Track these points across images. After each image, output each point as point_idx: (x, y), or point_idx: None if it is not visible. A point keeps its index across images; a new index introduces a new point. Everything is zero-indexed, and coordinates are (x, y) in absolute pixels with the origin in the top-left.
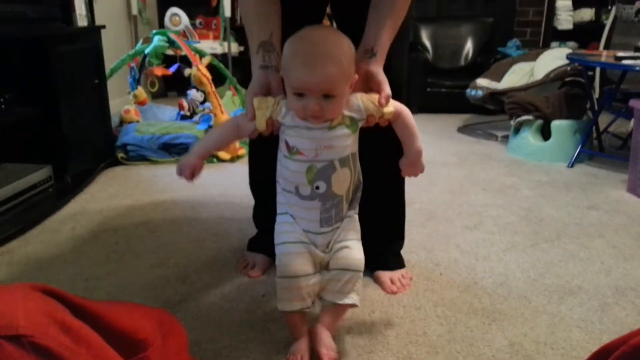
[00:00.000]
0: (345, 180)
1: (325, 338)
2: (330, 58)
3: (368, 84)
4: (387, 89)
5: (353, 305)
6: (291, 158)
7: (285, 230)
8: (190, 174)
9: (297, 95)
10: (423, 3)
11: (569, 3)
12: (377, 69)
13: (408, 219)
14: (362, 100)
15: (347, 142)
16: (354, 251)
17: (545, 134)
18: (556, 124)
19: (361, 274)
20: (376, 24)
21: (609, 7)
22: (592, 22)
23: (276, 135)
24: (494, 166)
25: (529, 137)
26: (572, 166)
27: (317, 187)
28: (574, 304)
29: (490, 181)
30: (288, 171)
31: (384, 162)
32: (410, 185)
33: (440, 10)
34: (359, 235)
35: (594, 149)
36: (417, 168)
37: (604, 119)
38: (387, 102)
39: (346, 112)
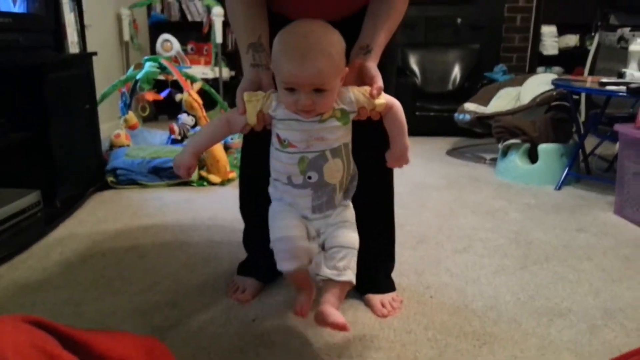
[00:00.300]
0: (337, 171)
1: (332, 313)
2: (320, 52)
3: (361, 78)
4: (379, 82)
5: (350, 283)
6: (283, 150)
7: (277, 208)
8: (186, 173)
9: (288, 90)
10: (411, 30)
11: (554, 29)
12: (371, 64)
13: (398, 241)
14: (354, 93)
15: (338, 133)
16: (349, 230)
17: (533, 157)
18: (543, 148)
19: (356, 251)
20: (373, 25)
21: (593, 34)
22: (577, 48)
23: (267, 156)
24: (482, 189)
25: (517, 160)
26: (559, 189)
27: (310, 177)
28: (564, 326)
29: (479, 204)
30: (280, 163)
31: (373, 185)
32: (401, 207)
33: (428, 37)
34: (353, 220)
35: (581, 172)
36: (402, 161)
37: (590, 142)
38: (379, 93)
39: (337, 105)
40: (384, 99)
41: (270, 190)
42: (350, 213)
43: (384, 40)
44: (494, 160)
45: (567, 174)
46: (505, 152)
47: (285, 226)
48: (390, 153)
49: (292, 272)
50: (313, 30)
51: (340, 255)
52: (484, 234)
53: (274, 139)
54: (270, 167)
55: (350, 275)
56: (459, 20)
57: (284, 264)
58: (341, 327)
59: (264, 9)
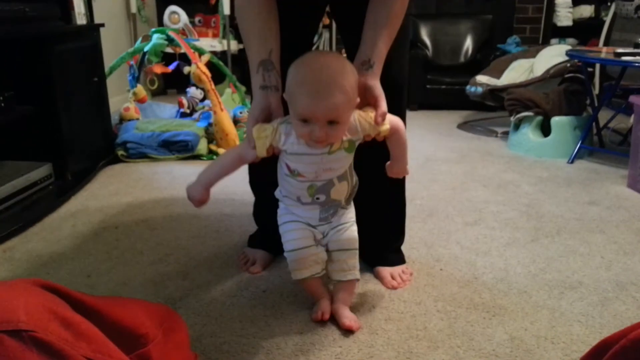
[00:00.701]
0: (343, 191)
1: (345, 312)
2: (336, 87)
3: (365, 97)
4: (383, 106)
5: (356, 279)
6: (293, 178)
7: (285, 213)
8: (199, 205)
9: (302, 122)
10: (422, 1)
11: (569, 0)
12: (375, 82)
13: (408, 215)
14: (359, 121)
15: (345, 162)
16: (348, 232)
17: (545, 130)
18: (556, 120)
19: (356, 250)
20: (373, 34)
21: (609, 4)
22: (592, 19)
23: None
24: (494, 162)
25: (529, 134)
26: (572, 162)
27: (317, 198)
28: (575, 298)
29: (491, 177)
30: (290, 186)
31: (384, 159)
32: (411, 181)
33: (440, 8)
34: (353, 217)
35: (594, 145)
36: (401, 174)
37: (604, 115)
38: (384, 120)
39: (346, 137)
40: (388, 123)
41: (277, 194)
42: (350, 212)
43: (385, 50)
44: (506, 133)
45: (580, 147)
46: (517, 125)
47: (295, 239)
48: (389, 167)
49: (306, 279)
50: (329, 65)
51: (344, 257)
52: (494, 207)
53: (283, 166)
54: (279, 183)
55: (356, 274)
56: None
57: (297, 273)
58: (351, 329)
59: (276, 20)
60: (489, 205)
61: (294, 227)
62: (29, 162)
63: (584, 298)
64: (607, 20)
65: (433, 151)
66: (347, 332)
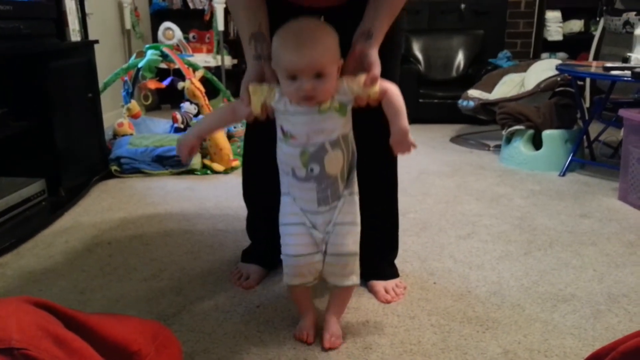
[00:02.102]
0: (338, 162)
1: (332, 325)
2: (317, 39)
3: (361, 65)
4: (375, 70)
5: (354, 285)
6: (286, 142)
7: (288, 212)
8: (188, 153)
9: (290, 79)
10: (415, 16)
11: (559, 15)
12: (372, 50)
13: (402, 228)
14: (348, 84)
15: (336, 125)
16: (348, 235)
17: (537, 143)
18: (547, 134)
19: (357, 255)
20: (374, 8)
21: (597, 19)
22: (582, 33)
23: (269, 144)
24: (486, 176)
25: (521, 147)
26: (564, 175)
27: (312, 170)
28: (567, 311)
29: (483, 191)
30: (284, 155)
31: (377, 173)
32: (404, 195)
33: (432, 23)
34: (356, 217)
35: (586, 158)
36: (405, 146)
37: (594, 128)
38: (373, 83)
39: (336, 97)
40: (378, 86)
41: (281, 177)
42: (354, 208)
43: (385, 25)
44: (498, 147)
45: (571, 160)
46: (509, 139)
47: (296, 244)
48: (391, 139)
49: (296, 286)
50: (307, 24)
51: (342, 262)
52: (487, 220)
53: (278, 130)
54: (277, 159)
55: (355, 280)
56: (462, 5)
57: (290, 278)
58: (331, 348)
59: (264, 2)
60: (482, 218)
61: (296, 231)
62: (23, 178)
63: (576, 311)
64: (597, 35)
65: (426, 165)
66: (341, 346)
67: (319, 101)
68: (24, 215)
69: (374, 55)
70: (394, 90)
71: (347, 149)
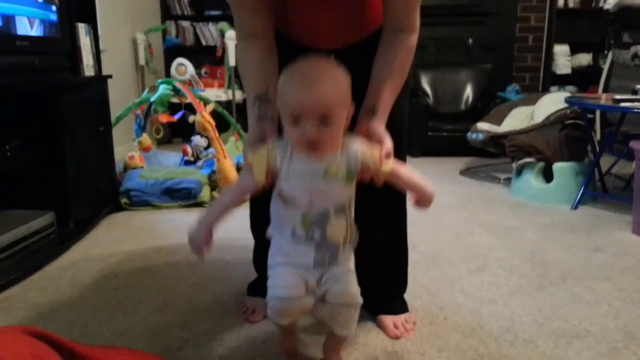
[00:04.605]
0: (340, 230)
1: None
2: (325, 79)
3: (370, 141)
4: (388, 145)
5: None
6: (286, 205)
7: (278, 252)
8: (202, 248)
9: (293, 123)
10: (422, 51)
11: (567, 48)
12: (378, 126)
13: (411, 261)
14: (362, 150)
15: (341, 191)
16: (349, 285)
17: (548, 176)
18: (558, 166)
19: (358, 307)
20: (378, 82)
21: (606, 52)
22: (590, 67)
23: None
24: (497, 208)
25: (532, 180)
26: (576, 208)
27: (313, 235)
28: (582, 348)
29: (494, 223)
30: (283, 216)
31: (385, 204)
32: (413, 227)
33: (439, 57)
34: (352, 265)
35: (597, 191)
36: (429, 199)
37: (605, 161)
38: (388, 157)
39: (343, 162)
40: (391, 165)
41: (270, 232)
42: (349, 256)
43: (390, 99)
44: (508, 179)
45: (583, 193)
46: (519, 172)
47: (285, 286)
48: (417, 201)
49: (284, 325)
50: (317, 62)
51: (344, 312)
52: (499, 254)
53: (277, 191)
54: (272, 214)
55: (352, 331)
56: (470, 40)
57: (276, 318)
58: None
59: (275, 59)
60: (494, 251)
61: (285, 272)
62: (33, 210)
63: (591, 348)
64: (605, 67)
65: (436, 197)
66: None
67: (323, 151)
68: (33, 247)
69: (382, 130)
70: (404, 168)
71: (350, 218)
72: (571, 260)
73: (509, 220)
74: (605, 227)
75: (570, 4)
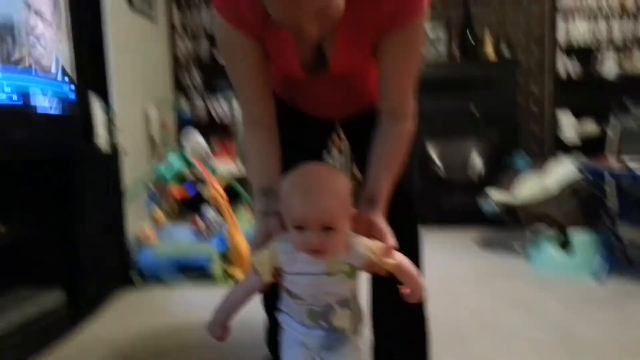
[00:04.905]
0: (347, 319)
1: None
2: (328, 191)
3: (371, 233)
4: (390, 241)
5: None
6: (292, 299)
7: (290, 334)
8: (221, 335)
9: (297, 229)
10: (428, 121)
11: (571, 116)
12: (379, 219)
13: (434, 341)
14: (365, 248)
15: (345, 288)
16: None
17: (567, 246)
18: (577, 236)
19: None
20: (375, 171)
21: (611, 119)
22: (597, 135)
23: None
24: (518, 281)
25: (551, 250)
26: (600, 280)
27: (320, 324)
28: None
29: (517, 298)
30: (291, 309)
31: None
32: (432, 303)
33: (445, 127)
34: (361, 346)
35: (620, 262)
36: (417, 294)
37: (625, 230)
38: (390, 254)
39: (346, 259)
40: (394, 259)
41: (281, 318)
42: (360, 353)
43: (388, 188)
44: (526, 250)
45: (606, 264)
46: (537, 242)
47: None
48: (407, 291)
49: None
50: (320, 171)
51: None
52: (526, 331)
53: (283, 289)
54: (282, 300)
55: None
56: (474, 110)
57: None
58: None
59: (277, 148)
60: (520, 329)
61: (297, 352)
62: (42, 287)
63: None
64: (613, 135)
65: (453, 270)
66: None
67: (327, 255)
68: (41, 326)
69: (382, 224)
70: (406, 262)
71: (355, 307)
72: (603, 336)
73: (531, 293)
74: (634, 299)
75: (572, 73)
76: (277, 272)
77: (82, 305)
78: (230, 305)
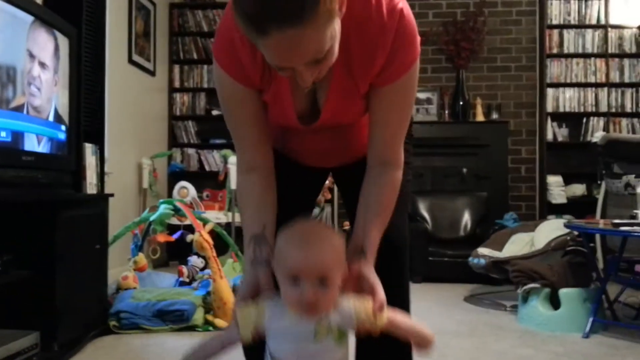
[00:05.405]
0: None
1: None
2: (324, 241)
3: (360, 287)
4: (380, 295)
5: None
6: None
7: None
8: None
9: (291, 283)
10: (419, 179)
11: (560, 179)
12: (368, 271)
13: None
14: (355, 307)
15: (332, 354)
16: None
17: (554, 302)
18: (564, 292)
19: None
20: (365, 221)
21: (599, 182)
22: (585, 196)
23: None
24: (506, 337)
25: (538, 306)
26: (587, 336)
27: None
28: None
29: (504, 353)
30: None
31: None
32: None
33: (435, 185)
34: None
35: (608, 318)
36: (428, 343)
37: (612, 288)
38: (382, 310)
39: (335, 319)
40: (386, 315)
41: None
42: None
43: (377, 238)
44: (514, 307)
45: (593, 321)
46: (525, 298)
47: None
48: (417, 345)
49: None
50: (314, 226)
51: None
52: None
53: (266, 351)
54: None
55: None
56: (464, 170)
57: None
58: None
59: (274, 195)
60: None
61: None
62: (16, 330)
63: None
64: (600, 197)
65: (441, 325)
66: None
67: (320, 312)
68: None
69: (373, 276)
70: (399, 315)
71: None
72: None
73: (519, 349)
74: (621, 357)
75: (559, 138)
76: (259, 332)
77: (55, 349)
78: (204, 353)
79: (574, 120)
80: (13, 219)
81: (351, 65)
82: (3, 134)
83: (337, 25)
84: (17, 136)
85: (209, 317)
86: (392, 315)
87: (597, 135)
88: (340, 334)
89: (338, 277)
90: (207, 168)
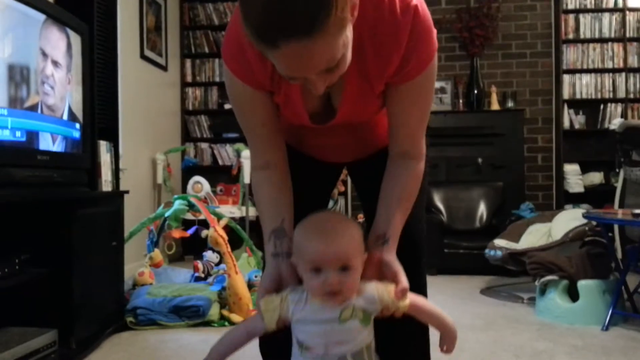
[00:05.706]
0: None
1: None
2: (343, 229)
3: (382, 272)
4: (403, 280)
5: None
6: (301, 354)
7: None
8: None
9: (313, 272)
10: (433, 169)
11: (577, 167)
12: (391, 257)
13: None
14: (378, 291)
15: (359, 335)
16: None
17: (572, 294)
18: (583, 284)
19: None
20: (386, 209)
21: (617, 170)
22: (603, 185)
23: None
24: (523, 330)
25: (556, 299)
26: (606, 329)
27: None
28: None
29: (522, 346)
30: None
31: (406, 324)
32: (436, 349)
33: (450, 176)
34: None
35: (627, 310)
36: (453, 341)
37: (632, 279)
38: (404, 295)
39: (360, 303)
40: (408, 299)
41: None
42: None
43: (400, 224)
44: (532, 299)
45: (612, 313)
46: (543, 290)
47: None
48: (443, 339)
49: None
50: (331, 216)
51: None
52: None
53: (293, 339)
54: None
55: None
56: (479, 160)
57: None
58: None
59: (290, 190)
60: None
61: None
62: (34, 327)
63: None
64: (619, 186)
65: (457, 318)
66: None
67: (343, 298)
68: None
69: (396, 263)
70: (423, 302)
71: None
72: None
73: (537, 342)
74: None
75: (576, 125)
76: (284, 322)
77: (73, 346)
78: (227, 344)
79: (591, 107)
80: (29, 219)
81: (366, 68)
82: (18, 133)
83: (349, 32)
84: (32, 136)
85: (225, 313)
86: (414, 299)
87: (614, 122)
88: (365, 315)
89: (359, 263)
90: (220, 162)
